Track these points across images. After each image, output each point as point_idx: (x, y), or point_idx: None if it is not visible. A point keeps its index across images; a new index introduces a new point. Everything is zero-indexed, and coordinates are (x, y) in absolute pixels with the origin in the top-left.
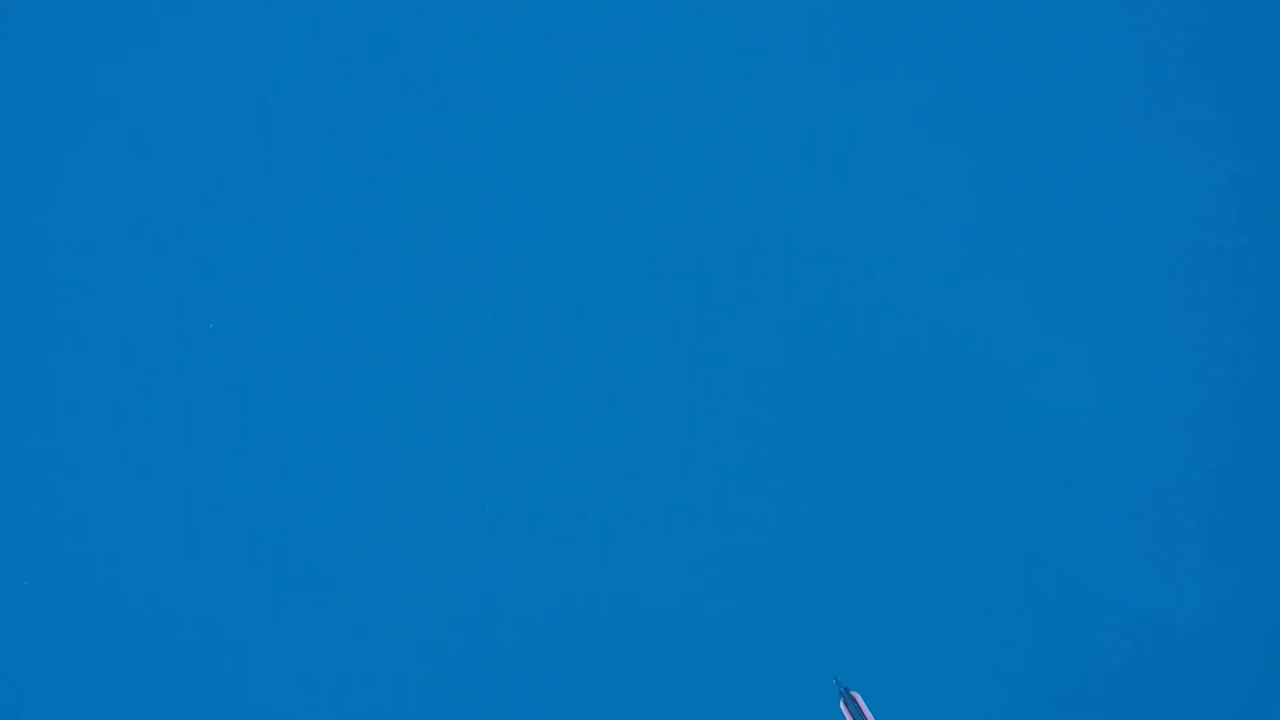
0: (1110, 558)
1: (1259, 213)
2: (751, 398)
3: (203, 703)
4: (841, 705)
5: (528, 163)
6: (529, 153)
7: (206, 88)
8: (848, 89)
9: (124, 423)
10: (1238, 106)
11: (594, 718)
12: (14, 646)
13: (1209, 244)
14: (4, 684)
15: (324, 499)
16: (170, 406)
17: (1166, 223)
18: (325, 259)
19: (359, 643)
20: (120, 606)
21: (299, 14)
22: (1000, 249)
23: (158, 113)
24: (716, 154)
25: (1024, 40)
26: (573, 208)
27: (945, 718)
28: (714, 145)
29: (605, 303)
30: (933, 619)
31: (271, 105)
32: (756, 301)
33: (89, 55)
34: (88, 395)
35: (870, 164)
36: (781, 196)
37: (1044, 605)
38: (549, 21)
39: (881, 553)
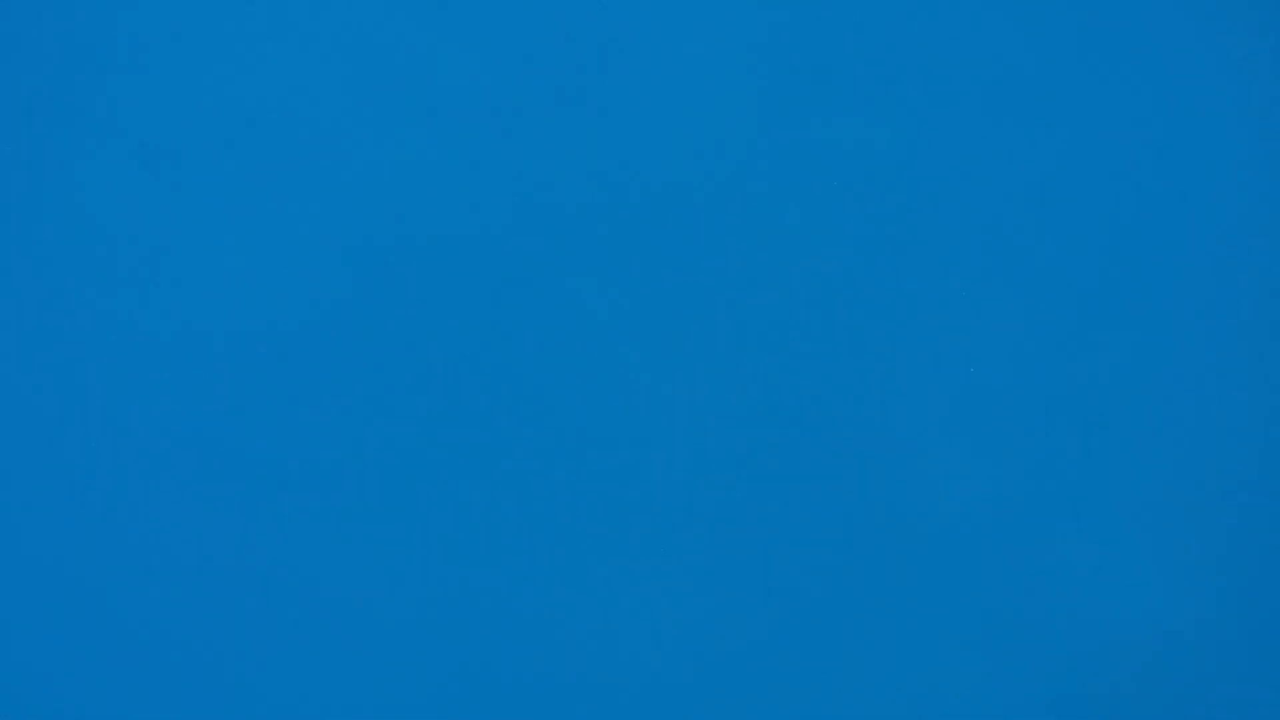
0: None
1: None
2: (757, 404)
3: (202, 703)
4: None
5: (541, 171)
6: (543, 165)
7: (206, 88)
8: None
9: (123, 423)
10: None
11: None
12: (14, 646)
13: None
14: (4, 684)
15: (325, 500)
16: (169, 406)
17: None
18: (328, 261)
19: (359, 646)
20: (119, 607)
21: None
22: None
23: (158, 113)
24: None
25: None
26: (578, 213)
27: None
28: (729, 174)
29: (608, 309)
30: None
31: (271, 105)
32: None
33: (88, 55)
34: (87, 395)
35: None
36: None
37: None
38: (564, 33)
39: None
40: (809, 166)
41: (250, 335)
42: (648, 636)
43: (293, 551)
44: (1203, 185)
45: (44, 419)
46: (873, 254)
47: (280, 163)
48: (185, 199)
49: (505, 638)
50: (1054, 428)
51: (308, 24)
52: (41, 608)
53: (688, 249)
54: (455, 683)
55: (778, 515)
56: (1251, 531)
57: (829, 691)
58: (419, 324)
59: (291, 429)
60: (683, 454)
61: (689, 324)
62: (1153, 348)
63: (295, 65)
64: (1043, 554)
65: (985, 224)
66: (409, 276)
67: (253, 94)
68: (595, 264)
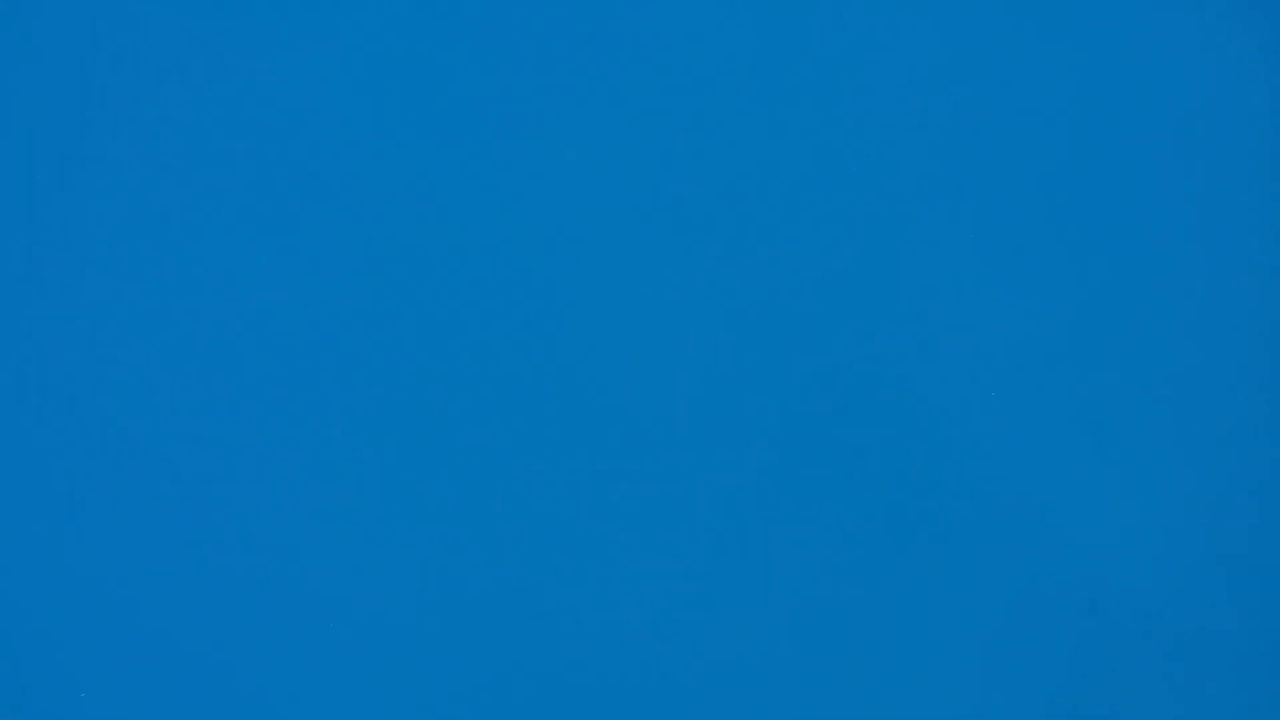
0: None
1: None
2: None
3: (200, 703)
4: None
5: (554, 178)
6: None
7: (208, 90)
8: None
9: (123, 423)
10: None
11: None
12: (14, 647)
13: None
14: (5, 684)
15: (326, 502)
16: (170, 407)
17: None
18: (330, 262)
19: (359, 648)
20: (120, 606)
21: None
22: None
23: (160, 114)
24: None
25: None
26: (585, 220)
27: None
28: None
29: (613, 313)
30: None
31: (273, 106)
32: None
33: (89, 56)
34: (87, 395)
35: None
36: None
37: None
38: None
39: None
40: (810, 147)
41: (253, 335)
42: (662, 588)
43: (290, 544)
44: (1199, 152)
45: (48, 420)
46: (877, 233)
47: (287, 163)
48: (191, 201)
49: (508, 640)
50: (1061, 403)
51: (313, 25)
52: (42, 607)
53: (694, 228)
54: (452, 676)
55: (777, 498)
56: (1259, 499)
57: (833, 658)
58: (422, 323)
59: (293, 426)
60: (687, 430)
61: (692, 306)
62: (1154, 320)
63: (300, 65)
64: (1049, 520)
65: (987, 197)
66: (408, 277)
67: (259, 96)
68: (600, 245)
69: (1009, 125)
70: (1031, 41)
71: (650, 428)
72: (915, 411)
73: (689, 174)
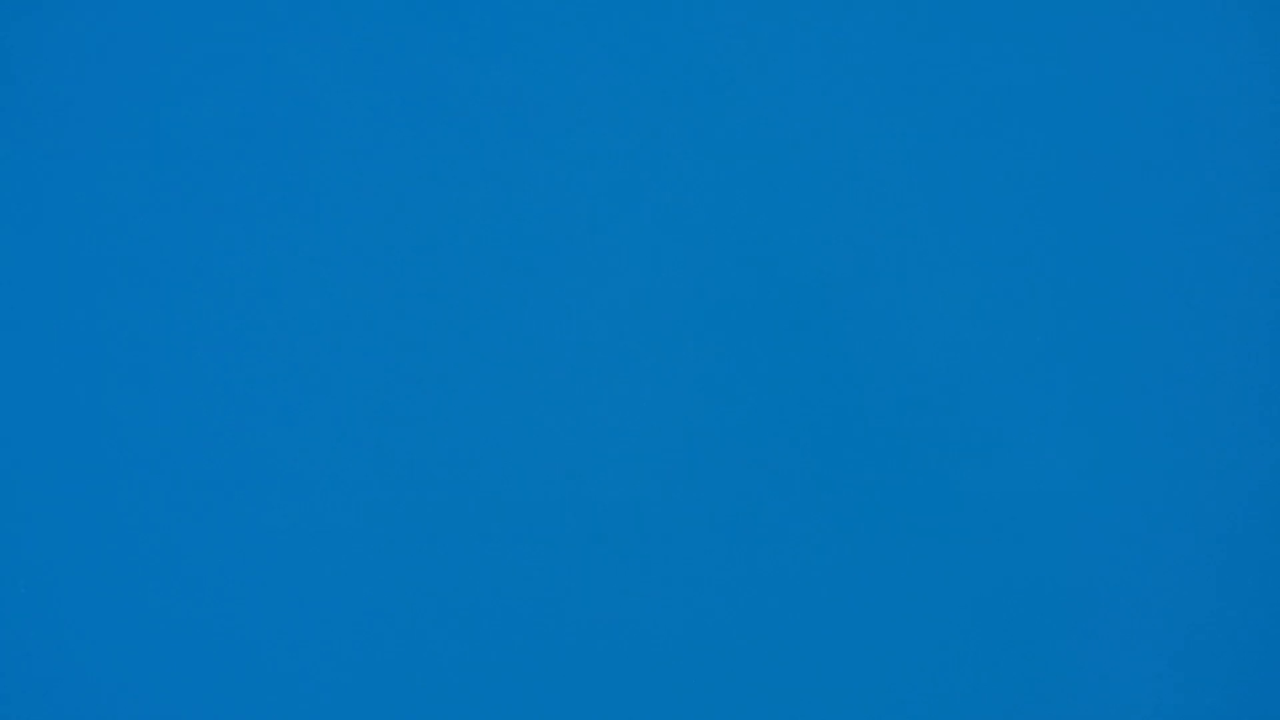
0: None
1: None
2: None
3: (199, 702)
4: None
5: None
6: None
7: (210, 87)
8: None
9: (125, 422)
10: None
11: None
12: (15, 647)
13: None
14: (7, 684)
15: (326, 501)
16: (171, 406)
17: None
18: (330, 261)
19: (359, 646)
20: (121, 605)
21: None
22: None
23: (162, 113)
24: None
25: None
26: (584, 216)
27: None
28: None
29: (613, 311)
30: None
31: (275, 105)
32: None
33: (92, 55)
34: (91, 394)
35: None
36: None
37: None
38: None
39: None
40: (803, 143)
41: (247, 327)
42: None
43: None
44: (1196, 152)
45: (49, 420)
46: (871, 223)
47: (279, 155)
48: (189, 199)
49: (506, 637)
50: (1058, 398)
51: (314, 21)
52: (44, 607)
53: (689, 221)
54: (448, 669)
55: (769, 493)
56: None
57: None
58: (416, 321)
59: (286, 418)
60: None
61: (682, 299)
62: (1149, 315)
63: (298, 58)
64: (1043, 515)
65: (981, 193)
66: (402, 270)
67: (254, 88)
68: (595, 240)
69: (1006, 123)
70: (1027, 39)
71: (644, 426)
72: (911, 405)
73: (685, 168)
